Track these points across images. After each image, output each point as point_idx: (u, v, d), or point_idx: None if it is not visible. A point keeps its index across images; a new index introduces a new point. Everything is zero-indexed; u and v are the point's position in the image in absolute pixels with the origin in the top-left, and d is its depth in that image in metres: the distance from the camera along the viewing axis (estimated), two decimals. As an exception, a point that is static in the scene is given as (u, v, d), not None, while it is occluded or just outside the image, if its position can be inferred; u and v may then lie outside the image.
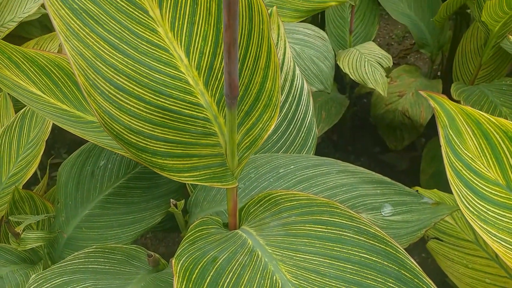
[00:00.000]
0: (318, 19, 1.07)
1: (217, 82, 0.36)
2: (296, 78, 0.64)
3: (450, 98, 0.83)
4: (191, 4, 0.34)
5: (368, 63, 0.80)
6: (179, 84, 0.34)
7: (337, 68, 0.84)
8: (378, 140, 1.19)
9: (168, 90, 0.34)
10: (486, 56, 0.84)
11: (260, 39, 0.36)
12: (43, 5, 0.94)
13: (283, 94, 0.63)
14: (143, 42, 0.33)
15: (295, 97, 0.64)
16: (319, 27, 1.04)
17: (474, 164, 0.39)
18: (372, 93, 1.06)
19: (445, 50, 1.11)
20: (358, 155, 1.27)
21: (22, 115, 0.73)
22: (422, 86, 0.92)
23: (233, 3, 0.25)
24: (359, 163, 1.26)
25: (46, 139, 0.70)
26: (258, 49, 0.36)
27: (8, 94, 0.77)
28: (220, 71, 0.36)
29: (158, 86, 0.34)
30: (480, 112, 0.39)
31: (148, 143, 0.34)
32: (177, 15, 0.34)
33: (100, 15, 0.31)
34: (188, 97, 0.35)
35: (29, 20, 1.03)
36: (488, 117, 0.40)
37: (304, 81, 0.64)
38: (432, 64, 1.02)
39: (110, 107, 0.32)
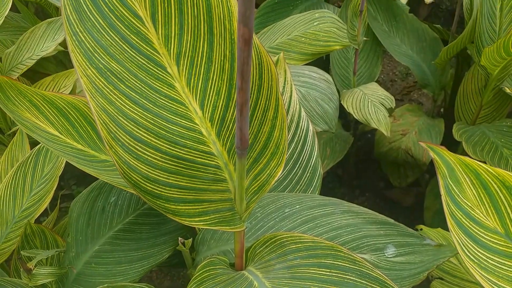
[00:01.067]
0: (323, 58, 1.11)
1: (228, 132, 0.38)
2: (301, 120, 0.67)
3: (452, 138, 0.85)
4: (206, 62, 0.37)
5: (371, 103, 0.83)
6: (193, 134, 0.37)
7: (341, 105, 0.87)
8: (383, 175, 1.20)
9: (183, 140, 0.36)
10: (486, 97, 0.86)
11: (269, 93, 0.39)
12: (60, 44, 0.98)
13: (289, 135, 0.66)
14: (161, 97, 0.36)
15: (301, 137, 0.66)
16: (324, 66, 1.07)
17: (473, 212, 0.40)
18: (376, 130, 1.09)
19: (447, 87, 1.14)
20: (363, 190, 1.28)
21: (37, 151, 0.75)
22: (425, 125, 0.94)
23: (246, 70, 0.27)
24: (364, 198, 1.27)
25: (59, 174, 0.73)
26: (267, 102, 0.39)
27: (20, 126, 0.80)
28: (231, 122, 0.38)
29: (174, 137, 0.36)
30: (478, 162, 0.41)
31: (163, 190, 0.36)
32: (193, 72, 0.36)
33: (123, 72, 0.34)
34: (201, 146, 0.37)
35: (46, 56, 1.07)
36: (486, 167, 0.41)
37: (310, 122, 0.66)
38: (434, 103, 1.05)
39: (129, 158, 0.34)
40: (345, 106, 0.85)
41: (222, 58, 0.37)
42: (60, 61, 1.33)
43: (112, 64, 0.33)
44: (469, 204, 0.40)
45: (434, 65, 0.96)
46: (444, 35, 1.08)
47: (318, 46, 0.82)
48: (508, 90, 0.67)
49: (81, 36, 0.32)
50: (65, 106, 0.59)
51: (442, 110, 1.31)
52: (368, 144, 1.35)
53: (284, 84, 0.67)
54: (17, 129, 0.97)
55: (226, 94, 0.37)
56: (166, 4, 0.35)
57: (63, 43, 1.01)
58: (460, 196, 0.40)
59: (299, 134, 0.66)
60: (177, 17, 0.35)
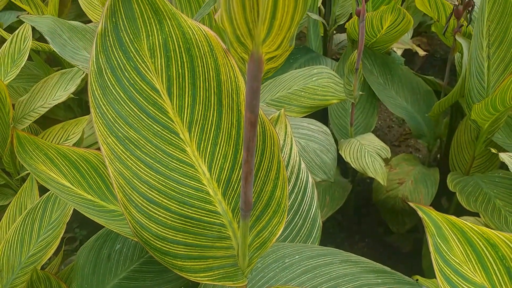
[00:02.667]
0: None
1: (233, 192, 0.41)
2: (301, 171, 0.70)
3: (448, 187, 0.88)
4: (215, 129, 0.40)
5: (368, 153, 0.86)
6: (201, 195, 0.40)
7: (339, 153, 0.91)
8: (382, 221, 1.22)
9: (192, 200, 0.39)
10: (478, 149, 0.90)
11: (271, 156, 0.42)
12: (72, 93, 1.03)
13: (290, 186, 0.69)
14: (173, 160, 0.39)
15: (301, 189, 0.69)
16: (322, 115, 1.12)
17: (461, 269, 0.43)
18: (374, 178, 1.11)
19: (442, 136, 1.19)
20: (363, 235, 1.29)
21: (47, 198, 0.78)
22: (421, 175, 0.97)
23: (251, 146, 0.31)
24: (364, 244, 1.28)
25: (67, 221, 0.75)
26: (269, 164, 0.42)
27: (34, 177, 0.83)
28: (236, 183, 0.41)
29: (183, 197, 0.39)
30: (464, 221, 0.44)
31: (171, 248, 0.39)
32: (203, 137, 0.40)
33: (139, 140, 0.38)
34: (208, 206, 0.40)
35: (56, 103, 1.12)
36: (471, 225, 0.44)
37: (309, 174, 0.69)
38: (429, 153, 1.09)
39: (142, 218, 0.37)
40: (343, 156, 0.88)
41: (229, 126, 0.41)
42: (68, 106, 1.38)
43: (130, 132, 0.37)
44: (457, 261, 0.43)
45: (428, 117, 1.01)
46: (437, 87, 1.14)
47: (317, 100, 0.87)
48: (493, 151, 0.71)
49: (104, 109, 0.36)
50: (77, 159, 0.63)
51: (439, 156, 1.35)
52: (367, 189, 1.38)
53: (285, 137, 0.71)
54: (25, 174, 1.01)
55: (232, 158, 0.41)
56: (181, 79, 0.39)
57: (73, 91, 1.06)
58: (449, 253, 0.43)
59: (299, 185, 0.69)
60: (190, 90, 0.40)
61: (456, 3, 0.83)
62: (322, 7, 1.55)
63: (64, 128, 1.02)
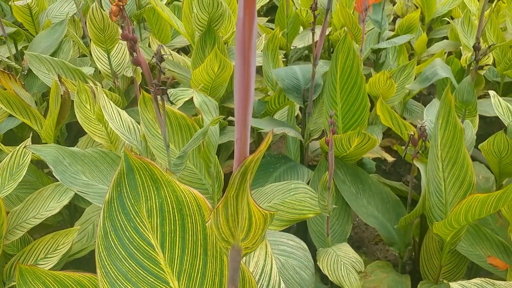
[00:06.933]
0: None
1: (216, 334, 0.47)
2: (281, 291, 0.75)
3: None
4: (201, 277, 0.47)
5: (344, 266, 0.92)
6: None
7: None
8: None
9: None
10: (444, 259, 0.97)
11: (250, 299, 0.48)
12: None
13: (270, 307, 0.73)
14: (164, 308, 0.45)
15: (280, 309, 0.74)
16: (302, 223, 1.19)
17: None
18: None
19: (415, 235, 1.26)
20: None
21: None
22: (394, 282, 1.03)
23: (235, 278, 0.37)
24: None
25: None
26: (249, 305, 0.48)
27: None
28: (219, 325, 0.47)
29: None
30: None
31: None
32: (190, 285, 0.46)
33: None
34: None
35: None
36: None
37: (288, 294, 0.75)
38: (401, 259, 1.15)
39: None
40: (321, 268, 0.94)
41: (213, 274, 0.47)
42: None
43: (129, 287, 0.43)
44: None
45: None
46: (404, 193, 1.24)
47: (295, 213, 0.95)
48: (445, 281, 0.79)
49: (108, 268, 0.43)
50: (71, 283, 0.67)
51: (413, 254, 1.41)
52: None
53: (265, 257, 0.77)
54: (12, 286, 1.02)
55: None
56: (172, 234, 0.46)
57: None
58: None
59: (279, 305, 0.74)
60: (180, 243, 0.47)
61: (412, 133, 0.96)
62: (300, 113, 1.69)
63: (55, 238, 1.05)
